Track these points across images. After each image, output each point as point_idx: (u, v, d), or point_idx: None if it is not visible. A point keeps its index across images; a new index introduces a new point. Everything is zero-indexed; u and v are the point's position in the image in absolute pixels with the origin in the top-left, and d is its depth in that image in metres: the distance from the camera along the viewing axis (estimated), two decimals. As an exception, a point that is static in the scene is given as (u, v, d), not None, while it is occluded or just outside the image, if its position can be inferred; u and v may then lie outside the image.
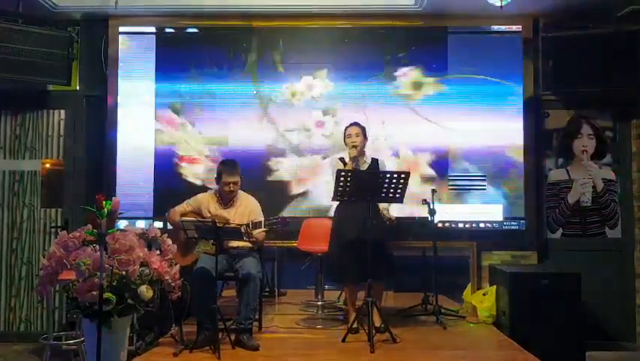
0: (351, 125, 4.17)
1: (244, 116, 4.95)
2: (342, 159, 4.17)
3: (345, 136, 4.14)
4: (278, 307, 4.91)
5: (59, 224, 4.88)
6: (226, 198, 4.05)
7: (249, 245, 3.93)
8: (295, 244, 4.67)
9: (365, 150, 4.17)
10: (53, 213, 4.96)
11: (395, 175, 3.78)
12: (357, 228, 3.92)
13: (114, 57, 4.99)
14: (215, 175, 4.09)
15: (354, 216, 3.97)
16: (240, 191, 4.12)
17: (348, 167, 4.00)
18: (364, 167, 4.10)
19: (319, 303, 4.73)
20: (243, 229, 3.72)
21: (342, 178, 3.76)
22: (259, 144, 4.93)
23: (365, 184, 3.79)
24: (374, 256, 3.75)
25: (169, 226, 4.26)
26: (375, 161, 4.18)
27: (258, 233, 3.85)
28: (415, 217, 4.77)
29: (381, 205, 4.05)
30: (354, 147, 4.04)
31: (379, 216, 4.02)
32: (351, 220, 3.99)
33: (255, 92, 4.95)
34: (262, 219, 3.89)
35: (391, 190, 3.78)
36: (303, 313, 4.74)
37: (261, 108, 4.96)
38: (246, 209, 4.04)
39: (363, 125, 4.19)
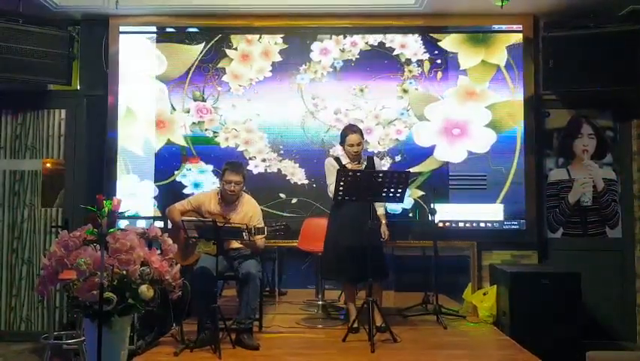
0: (353, 132, 4.10)
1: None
2: (337, 159, 4.17)
3: (346, 143, 4.09)
4: (278, 306, 4.92)
5: (60, 224, 4.88)
6: (228, 199, 4.03)
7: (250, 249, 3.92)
8: (295, 244, 4.67)
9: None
10: (54, 212, 4.97)
11: (395, 175, 3.79)
12: (353, 227, 3.92)
13: (115, 57, 4.99)
14: (220, 174, 4.08)
15: (350, 215, 3.98)
16: (245, 194, 4.11)
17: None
18: (361, 166, 4.10)
19: (320, 303, 4.74)
20: (244, 228, 3.71)
21: (343, 178, 3.76)
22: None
23: (366, 184, 3.78)
24: (367, 257, 3.77)
25: (169, 226, 4.26)
26: (370, 159, 4.19)
27: (258, 239, 3.84)
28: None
29: (379, 212, 4.10)
30: (356, 157, 4.04)
31: (376, 217, 4.03)
32: (347, 219, 3.99)
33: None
34: (262, 225, 3.87)
35: (392, 190, 3.79)
36: (304, 312, 4.74)
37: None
38: (247, 214, 4.00)
39: (360, 127, 4.21)
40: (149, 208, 4.90)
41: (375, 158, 4.26)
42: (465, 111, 4.90)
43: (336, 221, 4.13)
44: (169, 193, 4.83)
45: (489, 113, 4.89)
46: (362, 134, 4.12)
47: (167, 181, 4.94)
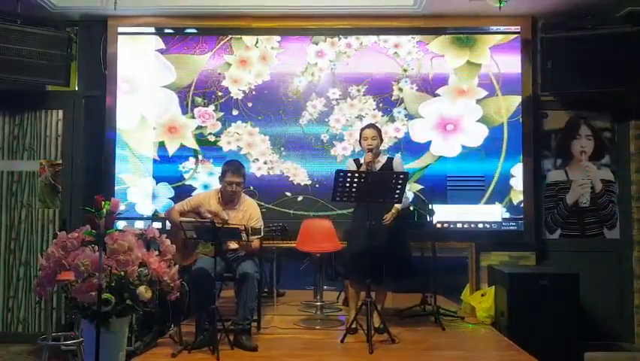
0: (367, 127, 4.14)
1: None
2: (356, 160, 4.17)
3: (362, 139, 4.12)
4: (277, 307, 4.91)
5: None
6: (227, 199, 4.03)
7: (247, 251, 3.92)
8: (294, 245, 4.66)
9: (380, 150, 4.18)
10: (51, 213, 4.95)
11: (394, 176, 3.79)
12: (364, 229, 3.87)
13: (113, 57, 4.98)
14: (220, 174, 4.08)
15: (363, 217, 3.95)
16: (244, 195, 4.12)
17: (363, 168, 4.00)
18: (378, 166, 4.08)
19: (318, 303, 4.74)
20: (241, 228, 3.69)
21: (340, 179, 3.76)
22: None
23: (363, 185, 3.78)
24: (393, 257, 3.87)
25: (167, 227, 4.24)
26: (390, 160, 4.17)
27: (254, 240, 3.83)
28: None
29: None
30: (370, 150, 4.03)
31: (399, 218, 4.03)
32: (360, 221, 3.96)
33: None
34: (260, 225, 3.86)
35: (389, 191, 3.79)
36: (302, 313, 4.74)
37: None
38: (246, 213, 4.01)
39: (378, 126, 4.24)
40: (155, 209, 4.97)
41: (396, 158, 4.21)
42: (457, 108, 4.96)
43: (353, 223, 4.18)
44: (182, 195, 4.81)
45: (479, 109, 4.95)
46: (378, 130, 4.13)
47: (180, 183, 4.99)
